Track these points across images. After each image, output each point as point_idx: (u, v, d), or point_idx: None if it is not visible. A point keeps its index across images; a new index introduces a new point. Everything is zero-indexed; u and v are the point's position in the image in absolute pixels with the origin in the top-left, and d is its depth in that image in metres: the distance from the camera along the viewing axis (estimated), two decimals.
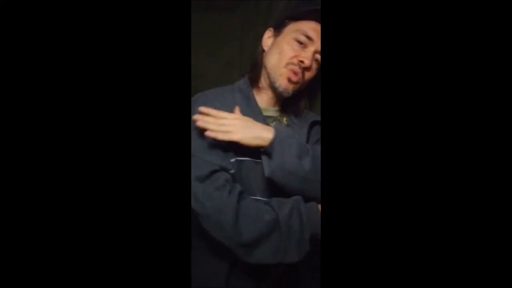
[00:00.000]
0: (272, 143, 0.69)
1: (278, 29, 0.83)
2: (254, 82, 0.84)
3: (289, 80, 0.78)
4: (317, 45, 0.78)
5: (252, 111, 0.78)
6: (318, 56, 0.79)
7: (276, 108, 0.85)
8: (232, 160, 0.72)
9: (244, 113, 0.75)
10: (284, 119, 0.86)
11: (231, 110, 0.73)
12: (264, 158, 0.71)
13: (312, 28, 0.78)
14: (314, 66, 0.81)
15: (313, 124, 0.84)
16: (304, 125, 0.83)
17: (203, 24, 0.96)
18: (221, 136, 0.69)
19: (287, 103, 0.86)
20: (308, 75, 0.81)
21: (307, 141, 0.81)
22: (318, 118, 0.85)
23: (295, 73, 0.78)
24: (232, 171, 0.71)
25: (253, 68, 0.85)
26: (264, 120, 0.79)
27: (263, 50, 0.84)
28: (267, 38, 0.84)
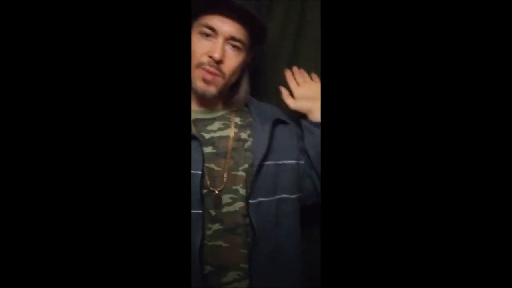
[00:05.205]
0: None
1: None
2: None
3: (205, 80, 0.72)
4: (224, 33, 0.71)
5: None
6: (234, 43, 0.72)
7: (218, 108, 0.81)
8: None
9: None
10: (237, 119, 0.81)
11: None
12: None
13: (214, 19, 0.71)
14: (232, 54, 0.73)
15: (276, 122, 0.80)
16: (266, 123, 0.78)
17: None
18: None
19: (230, 100, 0.81)
20: (228, 66, 0.73)
21: (271, 140, 0.77)
22: (281, 116, 0.81)
23: (208, 72, 0.72)
24: None
25: None
26: (195, 125, 0.76)
27: None
28: None
